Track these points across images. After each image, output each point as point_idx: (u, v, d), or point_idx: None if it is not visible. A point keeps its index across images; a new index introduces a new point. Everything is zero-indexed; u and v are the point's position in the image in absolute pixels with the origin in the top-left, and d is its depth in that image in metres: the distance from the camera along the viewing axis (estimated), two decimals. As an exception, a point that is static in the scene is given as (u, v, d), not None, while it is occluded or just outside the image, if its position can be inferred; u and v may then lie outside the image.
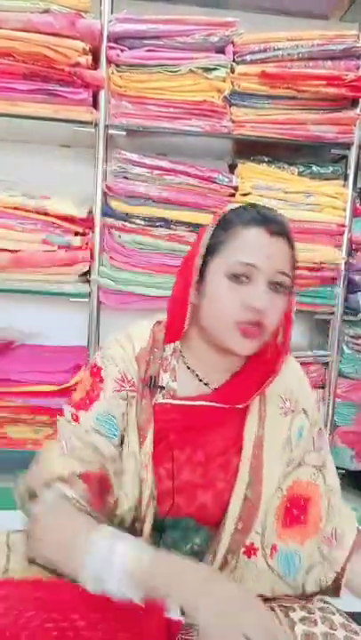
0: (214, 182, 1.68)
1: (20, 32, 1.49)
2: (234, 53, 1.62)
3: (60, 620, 0.63)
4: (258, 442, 0.82)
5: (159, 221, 1.68)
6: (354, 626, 0.78)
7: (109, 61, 1.60)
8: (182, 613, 0.61)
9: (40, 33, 1.49)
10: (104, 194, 1.68)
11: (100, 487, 0.77)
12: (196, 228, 1.66)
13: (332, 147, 1.74)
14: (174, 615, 0.62)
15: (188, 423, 0.81)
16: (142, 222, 1.68)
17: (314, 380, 1.86)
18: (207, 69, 1.59)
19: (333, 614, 0.79)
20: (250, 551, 0.79)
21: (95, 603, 0.64)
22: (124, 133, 1.65)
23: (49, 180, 1.77)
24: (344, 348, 1.87)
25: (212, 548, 0.79)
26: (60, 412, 0.85)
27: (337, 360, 1.86)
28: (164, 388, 0.81)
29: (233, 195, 1.71)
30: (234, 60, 1.62)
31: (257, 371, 0.84)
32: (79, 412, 0.81)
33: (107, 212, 1.69)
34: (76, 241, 1.66)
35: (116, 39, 1.59)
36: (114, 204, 1.68)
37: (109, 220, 1.69)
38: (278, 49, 1.60)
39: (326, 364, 1.87)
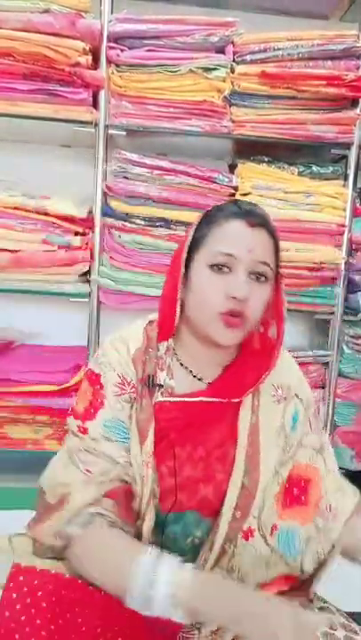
0: (214, 182, 1.69)
1: (21, 32, 1.49)
2: (234, 53, 1.62)
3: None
4: (253, 429, 0.83)
5: (159, 221, 1.68)
6: (354, 626, 0.78)
7: (109, 61, 1.60)
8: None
9: (40, 33, 1.49)
10: (104, 194, 1.68)
11: (125, 498, 0.78)
12: (196, 228, 1.66)
13: (332, 147, 1.74)
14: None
15: (189, 420, 0.81)
16: (142, 222, 1.68)
17: (314, 379, 1.86)
18: (207, 69, 1.60)
19: (333, 614, 0.79)
20: (247, 534, 0.79)
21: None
22: (124, 133, 1.66)
23: (49, 180, 1.77)
24: (344, 347, 1.87)
25: (210, 539, 0.79)
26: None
27: (337, 360, 1.86)
28: (162, 386, 0.82)
29: (233, 195, 1.71)
30: (234, 60, 1.63)
31: (250, 364, 0.85)
32: (86, 423, 0.80)
33: (107, 211, 1.69)
34: (76, 241, 1.66)
35: (116, 39, 1.59)
36: (114, 204, 1.68)
37: (109, 220, 1.69)
38: (278, 49, 1.60)
39: (326, 363, 1.87)
